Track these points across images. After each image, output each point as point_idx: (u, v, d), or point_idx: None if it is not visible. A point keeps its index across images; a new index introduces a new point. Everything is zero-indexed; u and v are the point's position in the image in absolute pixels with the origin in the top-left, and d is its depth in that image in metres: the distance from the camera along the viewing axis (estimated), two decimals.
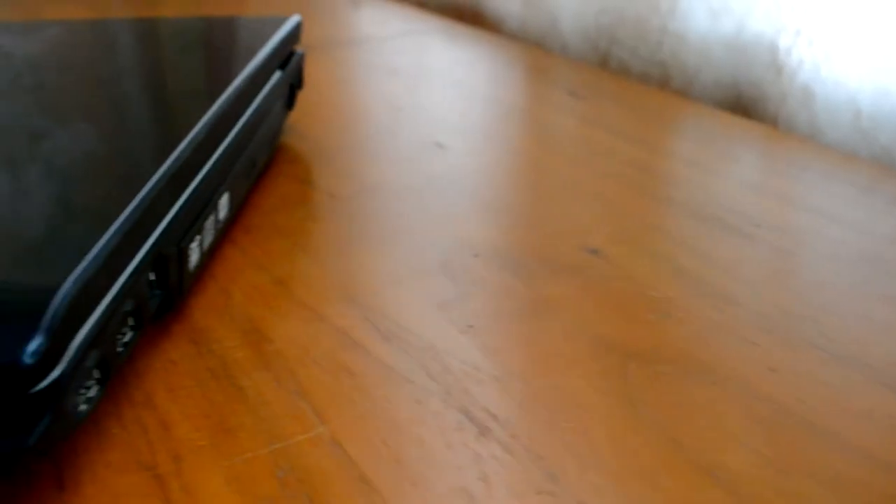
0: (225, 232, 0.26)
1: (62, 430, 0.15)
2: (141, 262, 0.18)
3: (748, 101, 0.38)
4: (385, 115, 0.36)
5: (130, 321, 0.18)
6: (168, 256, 0.20)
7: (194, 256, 0.22)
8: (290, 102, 0.32)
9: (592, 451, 0.17)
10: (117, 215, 0.18)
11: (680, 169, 0.31)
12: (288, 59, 0.32)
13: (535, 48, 0.46)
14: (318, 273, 0.24)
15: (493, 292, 0.23)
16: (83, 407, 0.16)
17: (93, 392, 0.17)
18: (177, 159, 0.20)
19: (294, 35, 0.32)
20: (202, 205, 0.22)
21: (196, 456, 0.17)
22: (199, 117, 0.23)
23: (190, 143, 0.21)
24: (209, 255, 0.24)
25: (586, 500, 0.16)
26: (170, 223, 0.20)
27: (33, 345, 0.14)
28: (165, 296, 0.20)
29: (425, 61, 0.44)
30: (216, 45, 0.29)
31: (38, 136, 0.21)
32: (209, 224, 0.23)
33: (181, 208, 0.21)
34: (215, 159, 0.23)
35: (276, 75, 0.30)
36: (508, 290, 0.23)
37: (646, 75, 0.42)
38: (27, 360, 0.14)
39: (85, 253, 0.16)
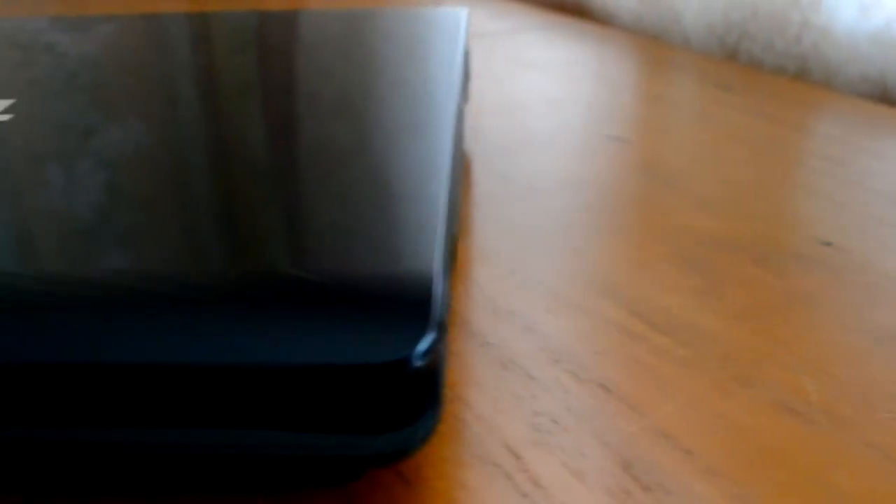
0: None
1: (435, 426, 0.15)
2: (447, 250, 0.18)
3: None
4: (544, 109, 0.36)
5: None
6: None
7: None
8: (466, 95, 0.32)
9: None
10: (436, 204, 0.17)
11: (868, 161, 0.30)
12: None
13: (657, 42, 0.46)
14: (559, 265, 0.23)
15: (742, 282, 0.23)
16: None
17: None
18: (451, 150, 0.20)
19: (468, 28, 0.32)
20: (455, 194, 0.22)
21: (530, 448, 0.17)
22: (449, 107, 0.22)
23: (454, 133, 0.21)
24: None
25: None
26: (450, 211, 0.20)
27: (424, 343, 0.14)
28: None
29: (555, 55, 0.44)
30: (407, 37, 0.29)
31: (339, 132, 0.21)
32: (456, 213, 0.23)
33: (450, 197, 0.20)
34: (453, 150, 0.23)
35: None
36: (757, 281, 0.23)
37: (780, 69, 0.42)
38: (416, 361, 0.14)
39: (429, 242, 0.16)
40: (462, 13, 0.32)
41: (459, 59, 0.27)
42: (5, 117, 0.23)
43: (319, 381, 0.14)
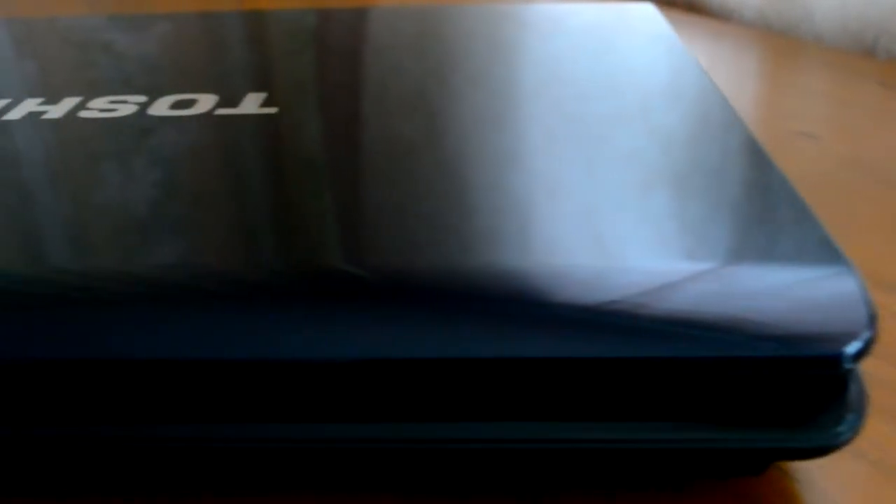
0: None
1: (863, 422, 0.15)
2: None
3: None
4: None
5: None
6: None
7: None
8: None
9: None
10: (799, 199, 0.17)
11: None
12: None
13: (789, 39, 0.46)
14: None
15: None
16: None
17: None
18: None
19: None
20: None
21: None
22: (721, 98, 0.22)
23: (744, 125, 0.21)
24: None
25: None
26: None
27: (861, 340, 0.14)
28: None
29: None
30: (627, 34, 0.29)
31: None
32: None
33: None
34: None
35: None
36: None
37: None
38: (852, 358, 0.14)
39: (825, 238, 0.16)
40: (652, 8, 0.32)
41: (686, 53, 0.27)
42: (272, 110, 0.23)
43: (764, 373, 0.14)
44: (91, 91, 0.25)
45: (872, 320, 0.14)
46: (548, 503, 0.16)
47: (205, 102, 0.24)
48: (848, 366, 0.14)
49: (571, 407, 0.15)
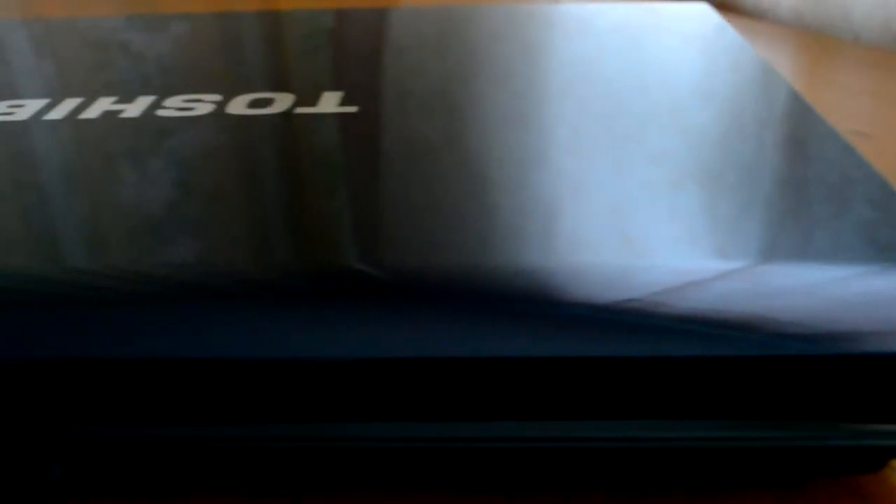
0: None
1: None
2: None
3: None
4: None
5: None
6: None
7: None
8: None
9: None
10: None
11: None
12: None
13: (827, 38, 0.46)
14: None
15: None
16: None
17: None
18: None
19: None
20: None
21: None
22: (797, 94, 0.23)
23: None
24: None
25: None
26: None
27: None
28: None
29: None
30: (691, 35, 0.29)
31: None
32: None
33: None
34: None
35: None
36: None
37: None
38: None
39: None
40: (707, 7, 0.32)
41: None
42: (353, 109, 0.23)
43: (884, 370, 0.14)
44: (164, 90, 0.25)
45: None
46: (675, 500, 0.16)
47: (282, 101, 0.24)
48: None
49: (693, 405, 0.15)
